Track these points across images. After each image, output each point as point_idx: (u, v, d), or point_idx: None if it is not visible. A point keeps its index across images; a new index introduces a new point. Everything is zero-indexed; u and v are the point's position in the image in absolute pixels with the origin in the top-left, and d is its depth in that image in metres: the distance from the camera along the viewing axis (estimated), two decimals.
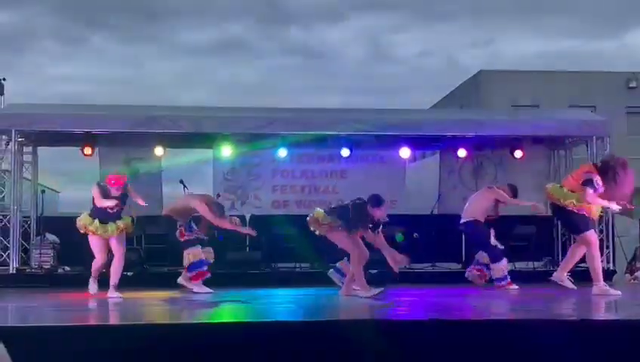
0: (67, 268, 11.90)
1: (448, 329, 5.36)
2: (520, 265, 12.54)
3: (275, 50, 64.43)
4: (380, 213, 8.47)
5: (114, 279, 9.04)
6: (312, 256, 11.02)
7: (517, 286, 9.85)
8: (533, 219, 11.94)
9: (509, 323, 5.81)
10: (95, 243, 9.03)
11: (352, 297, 8.31)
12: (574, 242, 9.12)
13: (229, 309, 7.63)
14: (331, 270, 9.37)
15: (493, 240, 9.87)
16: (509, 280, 9.88)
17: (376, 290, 8.42)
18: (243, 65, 64.33)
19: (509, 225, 12.30)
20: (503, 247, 10.00)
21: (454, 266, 12.26)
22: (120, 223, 9.03)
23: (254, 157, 12.98)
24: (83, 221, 8.99)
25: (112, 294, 8.90)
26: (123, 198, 9.08)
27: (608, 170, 8.50)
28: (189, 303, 8.28)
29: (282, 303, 8.10)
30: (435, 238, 12.53)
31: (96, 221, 8.93)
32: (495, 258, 9.87)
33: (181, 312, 7.42)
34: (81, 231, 9.04)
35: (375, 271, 11.67)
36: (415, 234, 12.51)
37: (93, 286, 9.15)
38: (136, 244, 12.06)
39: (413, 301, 8.42)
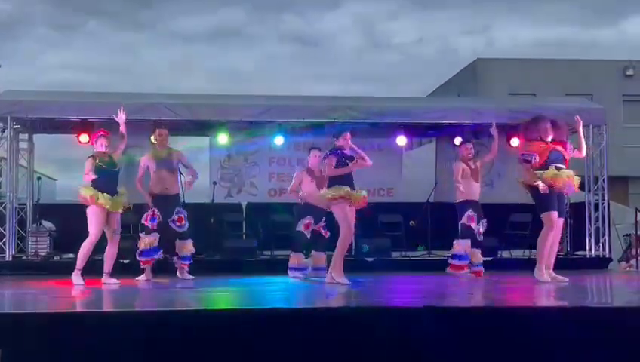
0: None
1: (444, 316, 5.34)
2: (516, 253, 12.57)
3: (271, 38, 64.43)
4: (343, 142, 8.67)
5: (109, 266, 8.91)
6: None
7: (467, 273, 10.03)
8: (530, 207, 11.92)
9: (505, 310, 5.83)
10: (96, 216, 8.61)
11: (342, 285, 8.33)
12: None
13: (225, 296, 7.62)
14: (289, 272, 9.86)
15: (464, 219, 10.00)
16: (465, 262, 10.07)
17: (346, 280, 8.48)
18: (239, 52, 64.30)
19: (505, 213, 12.33)
20: (478, 230, 10.09)
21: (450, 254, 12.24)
22: (124, 198, 8.88)
23: (251, 144, 12.97)
24: (86, 192, 8.62)
25: (109, 281, 8.82)
26: (114, 175, 8.87)
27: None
28: (186, 290, 8.26)
29: (278, 290, 8.09)
30: (431, 226, 12.55)
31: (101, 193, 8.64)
32: (462, 235, 10.07)
33: (177, 299, 7.37)
34: (87, 202, 8.61)
35: (372, 259, 11.75)
36: (412, 222, 12.54)
37: (79, 279, 8.71)
38: (133, 232, 12.04)
39: (409, 288, 8.42)
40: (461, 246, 10.08)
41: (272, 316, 5.33)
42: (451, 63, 55.01)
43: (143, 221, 9.58)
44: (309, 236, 9.83)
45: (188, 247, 9.75)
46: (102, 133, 8.99)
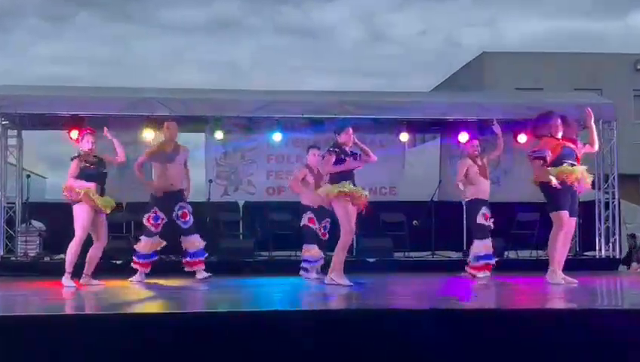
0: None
1: (449, 319, 5.24)
2: (523, 254, 12.33)
3: (268, 30, 64.19)
4: (345, 138, 8.47)
5: (91, 268, 8.69)
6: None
7: (487, 274, 9.73)
8: (538, 205, 11.61)
9: (512, 313, 5.69)
10: (85, 215, 8.34)
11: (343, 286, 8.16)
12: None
13: (222, 298, 7.56)
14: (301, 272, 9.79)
15: (480, 218, 9.77)
16: (488, 261, 9.80)
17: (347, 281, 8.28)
18: (235, 44, 64.05)
19: (511, 212, 12.07)
20: (491, 227, 9.84)
21: (454, 254, 12.17)
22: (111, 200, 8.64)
23: (248, 141, 12.73)
24: (82, 186, 8.35)
25: (90, 282, 8.61)
26: (102, 176, 8.64)
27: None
28: (182, 292, 8.07)
29: (276, 292, 8.00)
30: (435, 226, 12.36)
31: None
32: (479, 235, 9.81)
33: (172, 301, 7.23)
34: (77, 198, 8.32)
35: (373, 259, 11.49)
36: (415, 222, 12.34)
37: (70, 282, 8.47)
38: (126, 232, 11.86)
39: (413, 290, 8.34)
40: (482, 245, 9.83)
41: (271, 318, 5.24)
42: (456, 57, 54.74)
43: (145, 221, 9.37)
44: (316, 228, 9.67)
45: (195, 243, 9.47)
46: (88, 130, 8.83)
